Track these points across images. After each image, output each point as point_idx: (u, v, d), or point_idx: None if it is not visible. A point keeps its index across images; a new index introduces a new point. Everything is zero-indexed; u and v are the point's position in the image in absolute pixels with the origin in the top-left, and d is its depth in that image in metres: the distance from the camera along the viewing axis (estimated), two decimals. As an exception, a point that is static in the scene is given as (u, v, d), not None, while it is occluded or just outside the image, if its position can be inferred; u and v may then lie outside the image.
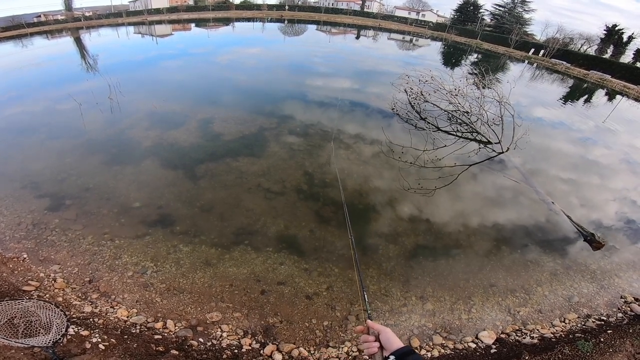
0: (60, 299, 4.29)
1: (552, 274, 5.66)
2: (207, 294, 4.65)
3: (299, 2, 66.41)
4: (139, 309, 4.35)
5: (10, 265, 4.76)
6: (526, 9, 52.99)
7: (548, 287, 5.37)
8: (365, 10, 65.48)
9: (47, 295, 4.29)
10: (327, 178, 7.51)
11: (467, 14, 57.68)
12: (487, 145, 9.45)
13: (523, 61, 39.71)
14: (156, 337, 3.94)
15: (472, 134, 9.76)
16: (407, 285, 5.09)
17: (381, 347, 1.19)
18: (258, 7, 61.26)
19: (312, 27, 47.64)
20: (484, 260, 5.77)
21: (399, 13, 65.93)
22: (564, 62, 37.82)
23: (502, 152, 9.05)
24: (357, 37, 41.81)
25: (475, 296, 5.03)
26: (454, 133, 9.90)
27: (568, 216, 7.10)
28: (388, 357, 1.15)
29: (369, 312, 1.48)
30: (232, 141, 8.95)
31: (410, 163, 8.15)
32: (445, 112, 10.48)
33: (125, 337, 3.84)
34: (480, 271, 5.51)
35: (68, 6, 49.09)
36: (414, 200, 7.09)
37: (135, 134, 9.22)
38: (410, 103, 11.28)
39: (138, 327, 4.07)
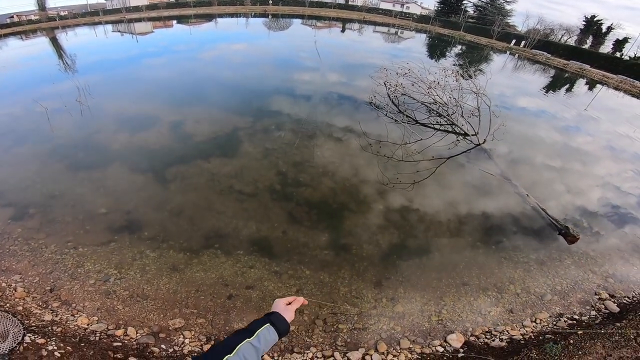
0: (20, 307, 4.19)
1: (526, 271, 5.55)
2: (171, 300, 4.52)
3: (283, -3, 65.52)
4: (100, 317, 4.24)
5: None
6: (507, 1, 53.55)
7: (521, 285, 5.26)
8: (349, 3, 65.04)
9: (7, 305, 4.20)
10: (301, 177, 7.36)
11: (450, 5, 57.91)
12: (466, 137, 9.43)
13: (505, 52, 40.05)
14: (115, 344, 3.84)
15: (450, 127, 9.73)
16: (378, 286, 4.99)
17: None
18: (241, 1, 60.14)
19: (297, 21, 47.10)
20: (458, 257, 5.69)
21: (383, 5, 65.61)
22: (545, 53, 38.27)
23: (479, 144, 9.05)
24: (343, 31, 41.52)
25: (446, 296, 4.93)
26: (432, 125, 9.85)
27: (543, 209, 7.07)
28: None
29: None
30: (204, 142, 8.71)
31: (388, 157, 8.07)
32: (424, 105, 10.42)
33: (82, 344, 3.73)
34: (454, 269, 5.42)
35: (41, 6, 47.33)
36: (391, 195, 7.01)
37: (103, 138, 8.90)
38: (389, 96, 11.19)
39: (98, 334, 3.96)
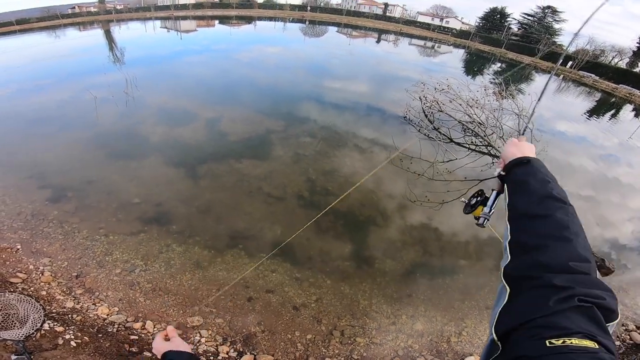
0: (44, 292, 4.27)
1: None
2: (192, 297, 4.54)
3: (321, 4, 66.58)
4: (121, 308, 4.29)
5: (3, 256, 4.79)
6: (556, 19, 51.25)
7: None
8: (387, 14, 64.99)
9: (32, 288, 4.28)
10: (330, 186, 7.30)
11: (493, 22, 56.39)
12: (502, 160, 8.99)
13: (549, 72, 38.35)
14: (132, 337, 3.86)
15: (486, 148, 9.32)
16: (399, 302, 4.86)
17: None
18: (280, 6, 61.83)
19: (333, 28, 47.61)
20: (484, 281, 5.47)
21: (421, 19, 65.05)
22: (592, 75, 36.33)
23: (518, 169, 8.59)
24: (378, 41, 41.45)
25: (468, 318, 4.75)
26: (467, 145, 9.48)
27: None
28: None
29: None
30: (238, 142, 8.87)
31: (419, 174, 7.83)
32: (460, 123, 10.06)
33: (100, 335, 3.78)
34: (478, 292, 5.22)
35: None
36: (419, 213, 6.81)
37: (144, 130, 9.29)
38: (424, 112, 10.91)
39: (116, 326, 4.00)
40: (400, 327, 4.49)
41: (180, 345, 1.13)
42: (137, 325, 4.04)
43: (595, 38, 47.60)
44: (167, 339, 1.19)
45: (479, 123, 9.51)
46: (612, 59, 47.56)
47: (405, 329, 4.47)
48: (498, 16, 55.92)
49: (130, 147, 8.36)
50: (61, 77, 14.60)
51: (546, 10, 51.35)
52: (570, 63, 40.27)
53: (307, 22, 51.73)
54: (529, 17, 53.17)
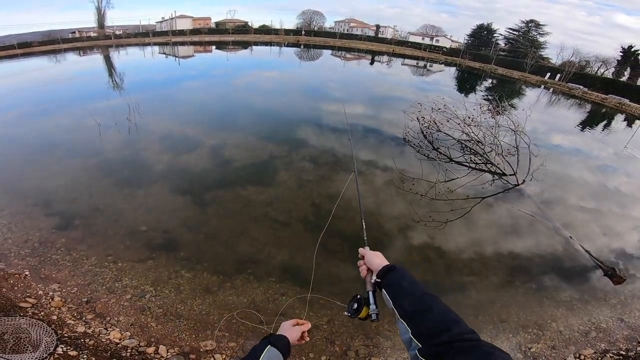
0: (54, 317, 4.28)
1: (569, 309, 5.38)
2: (203, 322, 4.54)
3: (315, 28, 68.78)
4: (133, 332, 4.28)
5: (11, 281, 4.81)
6: (540, 32, 52.84)
7: (563, 323, 5.09)
8: (379, 35, 67.09)
9: (42, 313, 4.31)
10: (335, 209, 7.38)
11: (481, 38, 58.24)
12: (502, 177, 9.17)
13: (539, 86, 39.42)
14: None
15: (485, 165, 9.52)
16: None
17: (369, 270, 1.31)
18: (276, 31, 63.73)
19: (328, 52, 48.93)
20: (496, 295, 5.51)
21: (412, 39, 67.13)
22: (581, 87, 37.28)
23: (518, 184, 8.75)
24: (372, 63, 42.62)
25: (483, 332, 4.74)
26: (467, 164, 9.67)
27: (587, 251, 6.79)
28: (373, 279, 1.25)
29: (365, 239, 1.66)
30: (242, 168, 9.00)
31: (421, 195, 7.95)
32: (458, 142, 10.30)
33: (114, 359, 3.76)
34: (491, 307, 5.24)
35: (101, 23, 52.45)
36: (423, 233, 6.86)
37: (149, 157, 9.43)
38: (423, 132, 11.16)
39: (129, 350, 3.98)
40: None
41: (294, 335, 1.34)
42: (150, 349, 4.04)
43: (580, 49, 49.19)
44: (296, 324, 1.38)
45: (477, 141, 9.76)
46: (597, 69, 49.01)
47: None
48: (485, 32, 57.79)
49: (136, 174, 8.45)
50: (63, 103, 14.95)
51: (530, 25, 53.05)
52: (558, 76, 41.41)
53: (302, 46, 53.24)
54: (514, 32, 54.87)
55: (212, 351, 4.13)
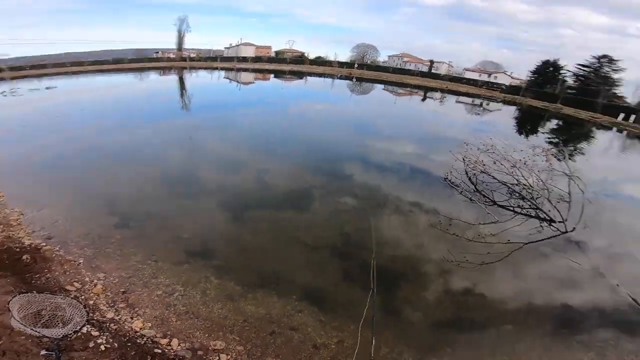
0: (92, 302, 4.89)
1: (599, 354, 5.01)
2: (219, 324, 4.86)
3: (368, 61, 70.72)
4: (153, 324, 4.72)
5: (65, 267, 5.60)
6: (614, 68, 47.50)
7: None
8: (433, 71, 66.74)
9: (83, 297, 4.92)
10: (363, 242, 7.41)
11: (545, 75, 53.88)
12: (551, 225, 8.42)
13: (611, 128, 35.61)
14: (156, 350, 4.18)
15: (533, 211, 8.84)
16: (421, 352, 4.76)
17: None
18: (330, 63, 66.79)
19: (379, 86, 49.77)
20: (519, 337, 5.25)
21: (468, 75, 65.53)
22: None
23: (566, 232, 7.96)
24: (424, 99, 42.32)
25: None
26: (512, 208, 9.05)
27: (634, 299, 6.18)
28: None
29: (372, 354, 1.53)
30: (283, 193, 9.61)
31: (458, 236, 7.62)
32: (504, 185, 9.73)
33: (129, 344, 4.17)
34: (513, 348, 5.00)
35: (179, 46, 59.99)
36: (454, 273, 6.59)
37: (202, 174, 10.50)
38: (467, 173, 10.68)
39: (145, 338, 4.38)
40: None
41: None
42: (164, 341, 4.41)
43: None
44: None
45: (525, 185, 9.18)
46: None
47: None
48: (551, 69, 53.45)
49: (189, 188, 9.43)
50: (140, 118, 17.28)
51: (602, 60, 48.18)
52: (633, 117, 36.88)
53: (354, 79, 54.94)
54: (585, 69, 50.05)
55: (220, 350, 4.40)
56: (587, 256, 7.63)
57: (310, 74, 56.38)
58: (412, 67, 70.03)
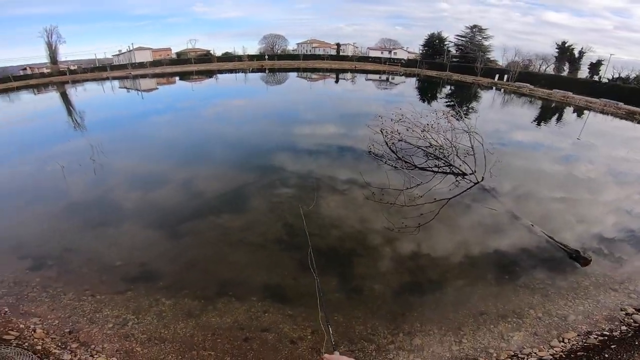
0: (39, 347, 4.29)
1: (544, 296, 5.63)
2: (188, 343, 4.59)
3: (278, 51, 70.29)
4: (119, 358, 4.31)
5: None
6: (484, 36, 56.55)
7: (541, 309, 5.32)
8: (341, 54, 69.64)
9: (26, 344, 4.32)
10: (308, 228, 7.55)
11: (434, 47, 61.34)
12: (465, 177, 9.79)
13: (491, 88, 42.28)
14: None
15: (448, 168, 10.14)
16: (393, 322, 5.06)
17: None
18: (239, 58, 64.49)
19: (293, 74, 50.00)
20: (472, 289, 5.78)
21: (372, 53, 70.23)
22: (528, 85, 40.30)
23: (477, 182, 9.38)
24: (337, 81, 44.05)
25: (465, 326, 4.98)
26: (430, 168, 10.26)
27: (550, 237, 7.22)
28: None
29: (333, 344, 1.75)
30: (215, 198, 9.07)
31: (391, 204, 8.32)
32: (420, 149, 10.93)
33: None
34: (469, 301, 5.50)
35: (53, 59, 50.64)
36: (398, 239, 7.16)
37: (116, 196, 9.29)
38: (386, 143, 11.71)
39: None
40: (400, 345, 4.66)
41: None
42: None
43: (521, 49, 53.18)
44: None
45: (438, 146, 10.41)
46: (539, 67, 53.17)
47: (405, 346, 4.65)
48: (437, 41, 60.97)
49: (106, 213, 8.29)
50: (23, 146, 14.41)
51: (474, 30, 56.84)
52: (506, 76, 44.53)
53: (267, 71, 54.15)
54: (462, 38, 58.47)
55: None
56: (500, 201, 8.95)
57: (221, 72, 53.59)
58: (321, 51, 71.98)
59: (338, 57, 66.48)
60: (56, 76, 47.20)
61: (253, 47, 71.07)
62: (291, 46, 76.57)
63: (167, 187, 9.77)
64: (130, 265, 6.23)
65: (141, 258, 6.46)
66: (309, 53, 70.36)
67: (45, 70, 50.29)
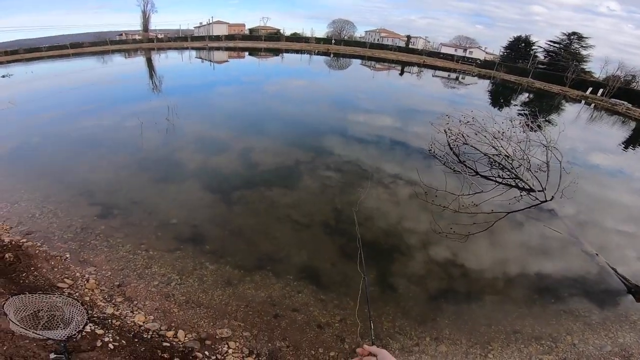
0: (87, 298, 4.67)
1: (586, 324, 5.26)
2: (222, 311, 4.82)
3: (345, 37, 69.34)
4: (156, 317, 4.60)
5: (52, 263, 5.32)
6: (583, 45, 49.90)
7: (579, 336, 4.99)
8: (410, 46, 66.53)
9: (77, 294, 4.70)
10: (353, 217, 7.49)
11: (518, 51, 55.90)
12: (530, 194, 8.87)
13: (579, 101, 37.34)
14: (164, 344, 4.12)
15: (514, 181, 9.25)
16: (422, 325, 4.93)
17: None
18: (306, 39, 64.91)
19: (357, 61, 49.08)
20: (511, 307, 5.46)
21: (444, 50, 65.87)
22: (625, 103, 34.76)
23: (546, 201, 8.43)
24: (401, 74, 42.23)
25: (494, 342, 4.75)
26: (494, 178, 9.44)
27: (613, 268, 6.55)
28: None
29: (373, 338, 1.68)
30: (269, 171, 9.37)
31: (444, 207, 7.87)
32: (486, 156, 10.08)
33: (136, 340, 4.06)
34: (505, 318, 5.21)
35: (145, 27, 55.94)
36: (443, 244, 6.82)
37: (183, 156, 10.05)
38: (449, 144, 10.99)
39: (150, 332, 4.29)
40: (424, 349, 4.55)
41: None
42: (170, 333, 4.34)
43: (625, 63, 45.86)
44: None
45: (506, 156, 9.52)
46: (644, 85, 45.44)
47: (429, 350, 4.53)
48: (523, 45, 55.38)
49: (171, 171, 9.06)
50: (109, 102, 16.18)
51: (572, 37, 50.34)
52: (601, 90, 38.95)
53: (331, 55, 53.83)
54: (555, 45, 52.20)
55: (227, 338, 4.39)
56: (566, 224, 8.08)
57: (287, 51, 54.54)
58: (389, 42, 69.51)
59: (406, 50, 63.52)
60: (145, 43, 52.03)
61: (321, 31, 71.14)
62: (359, 33, 75.09)
63: (226, 154, 10.34)
64: (184, 225, 6.69)
65: (194, 219, 6.92)
66: (376, 42, 68.32)
67: (137, 37, 55.73)
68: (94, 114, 14.09)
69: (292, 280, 5.48)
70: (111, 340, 3.89)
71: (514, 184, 9.13)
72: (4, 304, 2.90)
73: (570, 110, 31.15)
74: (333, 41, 64.17)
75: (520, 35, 56.02)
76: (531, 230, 7.83)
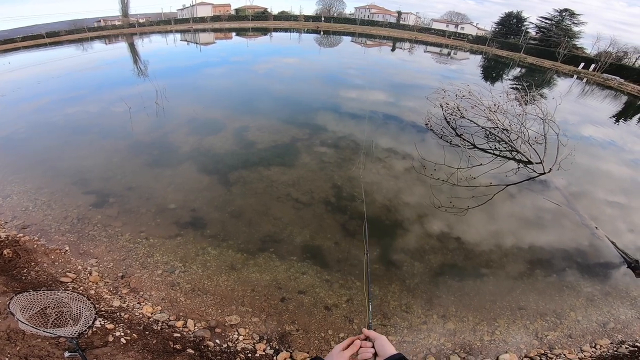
0: (92, 291, 4.58)
1: (589, 300, 5.37)
2: (229, 297, 4.79)
3: (335, 14, 67.39)
4: (164, 307, 4.56)
5: (52, 257, 5.18)
6: (575, 22, 49.83)
7: (582, 312, 5.11)
8: (401, 22, 65.05)
9: (81, 288, 4.60)
10: (355, 192, 7.44)
11: (509, 26, 55.34)
12: (528, 165, 8.92)
13: (572, 76, 37.33)
14: (175, 335, 4.10)
15: (511, 153, 9.27)
16: (429, 303, 4.97)
17: (375, 354, 1.24)
18: (295, 17, 62.92)
19: (348, 38, 47.91)
20: (515, 282, 5.53)
21: (436, 26, 64.63)
22: (617, 78, 34.95)
23: (544, 173, 8.50)
24: (393, 50, 41.44)
25: (500, 318, 4.83)
26: (491, 151, 9.44)
27: (612, 242, 6.66)
28: None
29: (370, 322, 1.64)
30: (265, 150, 9.20)
31: (443, 180, 7.87)
32: (483, 129, 10.05)
33: (147, 333, 4.02)
34: (510, 293, 5.29)
35: (125, 12, 53.34)
36: (444, 218, 6.84)
37: (176, 139, 9.77)
38: (446, 118, 10.91)
39: (160, 324, 4.25)
40: (432, 327, 4.60)
41: (335, 357, 1.23)
42: (179, 323, 4.30)
43: (617, 40, 45.86)
44: (345, 348, 1.25)
45: (503, 129, 9.50)
46: (635, 61, 45.66)
47: (437, 328, 4.59)
48: (514, 20, 54.85)
49: (165, 155, 8.81)
50: (94, 89, 15.53)
51: (564, 13, 50.04)
52: (592, 66, 38.98)
53: (321, 33, 52.37)
54: (547, 21, 51.83)
55: (237, 325, 4.37)
56: (565, 197, 8.15)
57: (276, 30, 52.88)
58: (379, 18, 67.81)
59: (398, 26, 62.07)
60: (126, 28, 49.69)
61: (310, 8, 68.84)
62: (349, 10, 72.84)
63: (221, 135, 10.09)
64: (182, 210, 6.56)
65: (193, 203, 6.79)
66: (366, 19, 66.55)
67: (116, 23, 53.14)
68: (79, 101, 13.52)
69: (295, 261, 5.47)
70: (122, 334, 3.85)
71: (511, 157, 9.17)
72: (9, 302, 2.78)
73: (563, 84, 31.14)
74: (322, 18, 62.30)
75: (512, 11, 55.37)
76: (530, 203, 7.88)
